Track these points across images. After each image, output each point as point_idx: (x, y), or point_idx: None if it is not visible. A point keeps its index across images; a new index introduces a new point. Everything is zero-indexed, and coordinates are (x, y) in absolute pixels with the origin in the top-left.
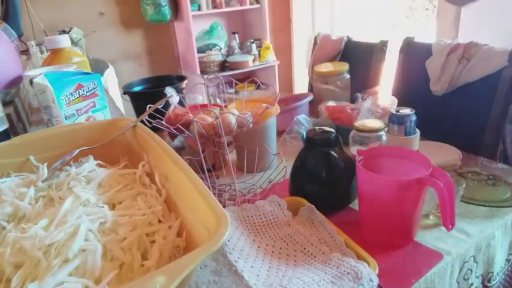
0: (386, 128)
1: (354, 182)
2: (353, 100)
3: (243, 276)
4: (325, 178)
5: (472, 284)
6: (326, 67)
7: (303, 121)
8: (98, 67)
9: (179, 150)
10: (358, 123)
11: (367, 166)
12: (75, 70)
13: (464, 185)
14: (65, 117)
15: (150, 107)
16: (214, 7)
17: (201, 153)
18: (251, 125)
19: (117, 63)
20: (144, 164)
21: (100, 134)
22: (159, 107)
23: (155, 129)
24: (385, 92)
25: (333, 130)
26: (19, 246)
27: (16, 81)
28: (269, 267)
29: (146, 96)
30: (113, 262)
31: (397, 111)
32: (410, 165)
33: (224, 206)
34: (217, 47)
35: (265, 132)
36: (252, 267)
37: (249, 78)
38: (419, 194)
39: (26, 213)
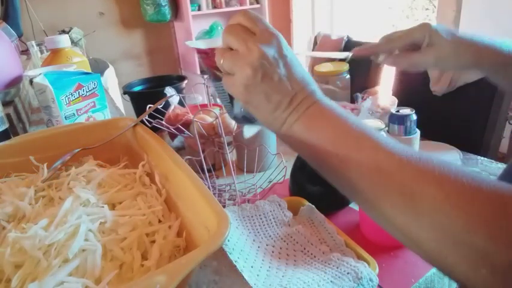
0: (387, 128)
1: None
2: (353, 100)
3: (243, 276)
4: (325, 178)
5: None
6: (326, 67)
7: None
8: (98, 67)
9: (179, 150)
10: None
11: None
12: (75, 70)
13: None
14: (65, 117)
15: (150, 107)
16: (214, 7)
17: (201, 153)
18: None
19: (117, 63)
20: (144, 164)
21: (100, 134)
22: (159, 107)
23: (155, 129)
24: (385, 92)
25: None
26: (19, 246)
27: (16, 81)
28: (269, 267)
29: (146, 96)
30: (112, 262)
31: (397, 111)
32: None
33: (224, 206)
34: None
35: (265, 132)
36: (252, 267)
37: None
38: None
39: (26, 213)
